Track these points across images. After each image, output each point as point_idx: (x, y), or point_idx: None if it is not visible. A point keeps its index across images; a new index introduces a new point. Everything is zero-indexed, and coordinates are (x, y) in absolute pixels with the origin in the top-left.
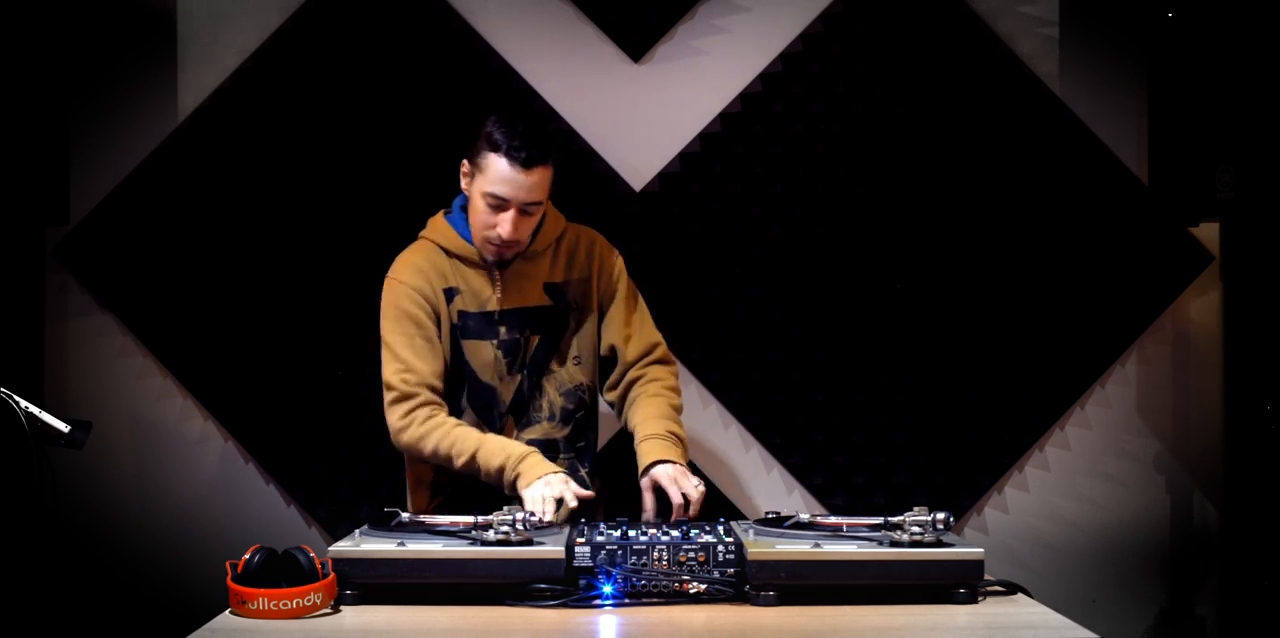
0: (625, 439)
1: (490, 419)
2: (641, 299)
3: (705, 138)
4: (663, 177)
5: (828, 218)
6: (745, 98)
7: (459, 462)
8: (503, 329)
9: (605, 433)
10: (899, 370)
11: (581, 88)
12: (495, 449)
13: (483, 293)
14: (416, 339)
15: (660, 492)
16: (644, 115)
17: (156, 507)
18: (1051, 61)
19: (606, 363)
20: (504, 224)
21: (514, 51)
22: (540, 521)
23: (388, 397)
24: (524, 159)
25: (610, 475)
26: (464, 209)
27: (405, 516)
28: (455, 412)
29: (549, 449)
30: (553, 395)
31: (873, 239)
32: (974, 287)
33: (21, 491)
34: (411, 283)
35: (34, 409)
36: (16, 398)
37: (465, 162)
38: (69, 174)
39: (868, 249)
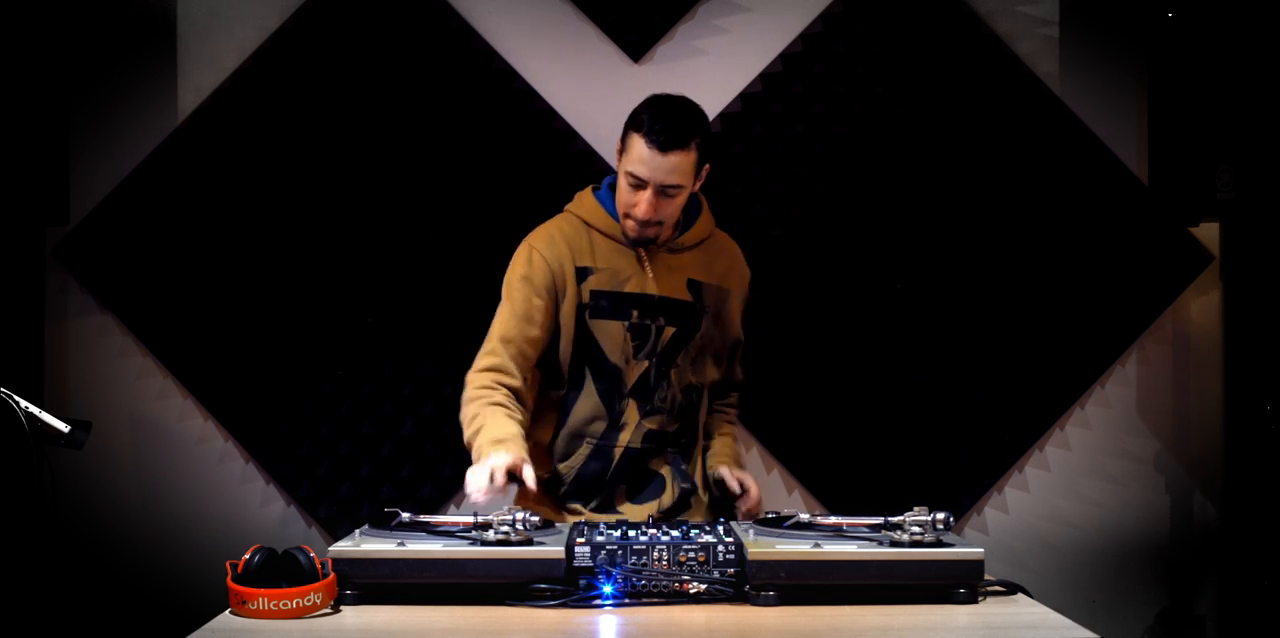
0: None
1: (612, 401)
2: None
3: None
4: None
5: (828, 218)
6: (746, 98)
7: (465, 435)
8: (636, 313)
9: None
10: (899, 371)
11: (581, 88)
12: (483, 437)
13: (623, 273)
14: (532, 305)
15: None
16: None
17: (156, 507)
18: (1051, 61)
19: None
20: (642, 203)
21: (514, 51)
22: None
23: (485, 346)
24: (661, 142)
25: None
26: (612, 188)
27: (405, 515)
28: (578, 393)
29: (659, 441)
30: (676, 390)
31: (873, 239)
32: (974, 287)
33: (21, 491)
34: (544, 252)
35: (34, 409)
36: (16, 398)
37: (620, 140)
38: (69, 174)
39: (868, 249)
